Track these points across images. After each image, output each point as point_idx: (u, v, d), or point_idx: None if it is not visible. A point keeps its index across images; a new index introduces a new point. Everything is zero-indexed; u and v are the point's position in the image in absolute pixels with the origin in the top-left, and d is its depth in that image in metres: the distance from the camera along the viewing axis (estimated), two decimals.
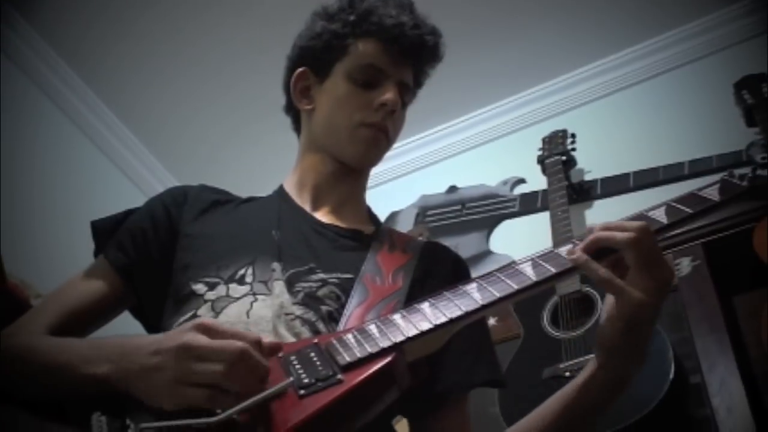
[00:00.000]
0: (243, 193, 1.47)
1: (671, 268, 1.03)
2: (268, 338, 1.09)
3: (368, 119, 1.33)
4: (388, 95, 1.32)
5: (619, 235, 1.01)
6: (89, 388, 1.02)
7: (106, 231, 1.33)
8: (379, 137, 1.34)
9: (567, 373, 2.01)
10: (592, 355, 1.93)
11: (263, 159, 3.07)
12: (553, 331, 2.17)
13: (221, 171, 3.05)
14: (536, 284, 1.03)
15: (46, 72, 2.95)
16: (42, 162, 2.88)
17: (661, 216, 1.06)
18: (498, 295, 1.02)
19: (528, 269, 1.05)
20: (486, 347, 1.31)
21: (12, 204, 2.64)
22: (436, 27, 1.41)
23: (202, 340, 0.94)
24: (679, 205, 1.07)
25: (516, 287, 1.03)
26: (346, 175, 1.38)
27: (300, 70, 1.42)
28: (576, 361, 2.02)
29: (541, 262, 1.06)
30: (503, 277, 1.04)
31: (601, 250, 1.02)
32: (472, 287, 1.04)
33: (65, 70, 2.99)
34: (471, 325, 1.06)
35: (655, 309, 1.02)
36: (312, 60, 1.40)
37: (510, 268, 1.06)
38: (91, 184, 3.05)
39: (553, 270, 1.04)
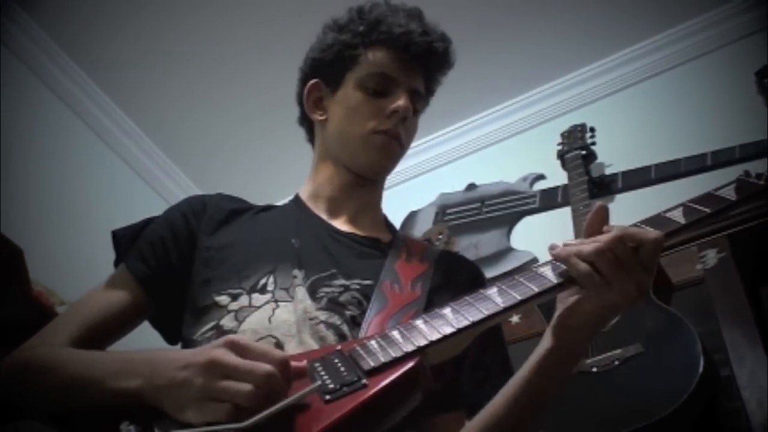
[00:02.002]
0: (258, 194, 1.47)
1: (644, 281, 1.02)
2: (292, 343, 1.10)
3: (381, 126, 1.34)
4: (400, 102, 1.33)
5: (587, 247, 1.01)
6: (119, 402, 1.02)
7: (126, 240, 1.34)
8: (391, 144, 1.35)
9: (594, 369, 1.99)
10: (619, 350, 1.98)
11: (276, 155, 3.08)
12: None
13: (233, 168, 3.07)
14: (557, 286, 1.05)
15: (60, 76, 2.99)
16: (63, 169, 2.91)
17: (678, 216, 1.08)
18: (519, 297, 1.03)
19: (548, 272, 1.06)
20: (496, 367, 1.29)
21: (36, 212, 2.66)
22: (446, 34, 1.42)
23: (230, 357, 0.95)
24: (696, 206, 1.09)
25: (537, 290, 1.04)
26: (360, 186, 1.39)
27: (312, 81, 1.43)
28: (603, 356, 2.01)
29: (561, 264, 1.06)
30: (524, 281, 1.06)
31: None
32: (493, 291, 1.05)
33: (78, 73, 3.03)
34: (486, 338, 1.09)
35: (619, 312, 1.05)
36: (324, 71, 1.42)
37: (530, 271, 1.07)
38: (112, 191, 3.08)
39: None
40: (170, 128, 3.22)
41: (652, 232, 1.01)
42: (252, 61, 2.95)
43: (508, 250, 2.78)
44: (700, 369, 1.90)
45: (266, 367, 0.93)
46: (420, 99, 1.41)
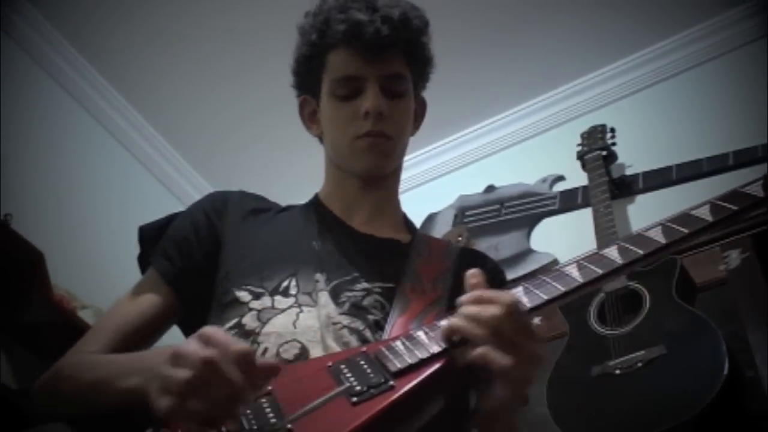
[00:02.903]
0: (275, 192, 1.47)
1: (533, 346, 0.98)
2: (317, 349, 1.10)
3: (360, 131, 1.31)
4: (367, 103, 1.30)
5: (473, 330, 0.96)
6: (131, 401, 1.02)
7: (150, 237, 1.34)
8: (376, 143, 1.32)
9: (617, 371, 1.98)
10: (642, 352, 1.96)
11: (287, 150, 3.07)
12: (600, 329, 2.14)
13: (246, 165, 3.07)
14: (583, 286, 1.04)
15: (72, 74, 3.01)
16: (80, 172, 2.93)
17: (705, 214, 1.06)
18: (545, 297, 1.02)
19: (574, 271, 1.05)
20: None
21: (57, 217, 2.68)
22: (393, 3, 1.33)
23: (189, 345, 0.90)
24: (723, 203, 1.07)
25: (563, 289, 1.03)
26: (370, 187, 1.38)
27: (301, 98, 1.43)
28: (626, 357, 1.99)
29: (586, 264, 1.06)
30: (549, 280, 1.05)
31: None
32: (518, 291, 1.04)
33: (91, 72, 3.05)
34: None
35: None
36: (304, 86, 1.42)
37: (555, 270, 1.07)
38: (131, 194, 3.09)
39: (600, 271, 1.04)
40: (187, 130, 3.24)
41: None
42: (263, 54, 2.91)
43: (529, 252, 2.77)
44: (725, 371, 1.88)
45: (207, 351, 0.87)
46: (399, 80, 1.35)
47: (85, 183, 2.91)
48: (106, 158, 3.09)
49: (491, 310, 0.96)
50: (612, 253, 1.06)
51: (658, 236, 1.06)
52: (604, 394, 1.98)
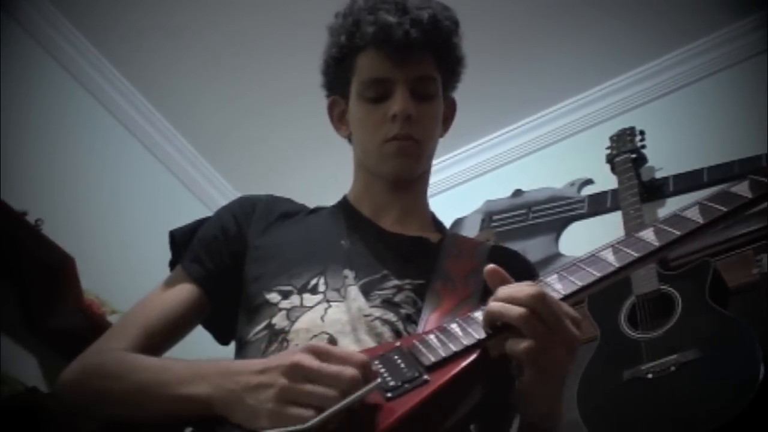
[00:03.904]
0: (301, 193, 1.47)
1: (572, 331, 0.96)
2: (346, 340, 1.10)
3: (389, 134, 1.30)
4: (395, 106, 1.29)
5: (512, 311, 0.94)
6: (185, 409, 1.01)
7: (181, 242, 1.34)
8: (404, 147, 1.31)
9: (649, 375, 1.95)
10: (675, 356, 1.93)
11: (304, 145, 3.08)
12: (631, 332, 2.11)
13: (275, 176, 3.07)
14: (619, 270, 1.00)
15: (107, 87, 3.04)
16: (112, 179, 2.96)
17: (745, 191, 1.01)
18: (580, 283, 0.99)
19: (609, 255, 1.01)
20: None
21: (87, 222, 2.70)
22: (423, 4, 1.32)
23: (314, 362, 0.92)
24: (761, 177, 1.03)
25: (598, 275, 0.99)
26: (399, 189, 1.37)
27: (330, 98, 1.42)
28: (659, 362, 1.96)
29: (621, 247, 1.02)
30: (583, 266, 1.01)
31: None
32: (552, 278, 1.02)
33: (121, 80, 3.07)
34: None
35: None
36: (333, 86, 1.41)
37: (590, 255, 1.03)
38: (160, 200, 3.11)
39: (635, 255, 1.00)
40: (214, 136, 3.26)
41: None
42: (279, 45, 2.93)
43: (557, 256, 2.75)
44: (761, 375, 1.85)
45: (351, 371, 0.91)
46: (428, 83, 1.33)
47: (115, 189, 2.94)
48: (136, 165, 3.12)
49: (526, 290, 0.95)
50: (648, 235, 1.02)
51: (696, 216, 1.01)
52: (635, 399, 1.96)
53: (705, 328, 2.01)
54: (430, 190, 1.47)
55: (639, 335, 2.09)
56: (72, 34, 2.90)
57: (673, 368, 1.95)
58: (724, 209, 1.01)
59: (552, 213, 2.90)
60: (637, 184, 2.56)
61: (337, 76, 1.38)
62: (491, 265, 1.02)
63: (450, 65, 1.38)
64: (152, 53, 2.97)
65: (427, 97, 1.33)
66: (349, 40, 1.33)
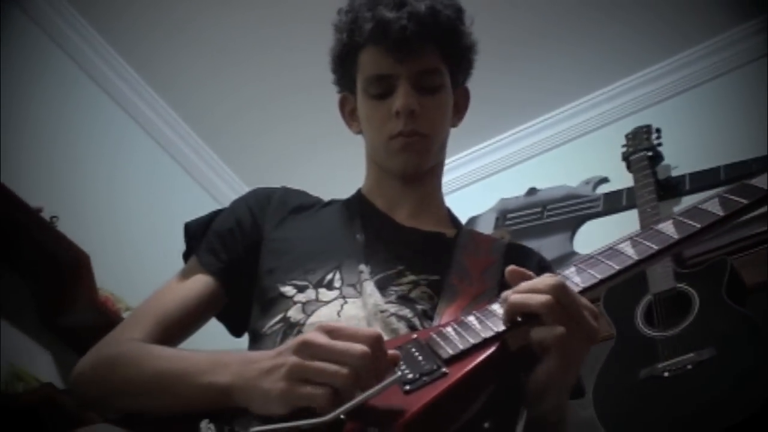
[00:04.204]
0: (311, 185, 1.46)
1: (591, 322, 0.96)
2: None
3: (394, 131, 1.29)
4: (398, 103, 1.28)
5: (534, 299, 0.94)
6: (204, 399, 1.00)
7: (196, 234, 1.34)
8: (410, 142, 1.30)
9: (666, 373, 1.94)
10: (691, 354, 1.92)
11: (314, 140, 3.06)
12: (648, 331, 2.10)
13: (284, 168, 3.07)
14: (638, 263, 0.98)
15: (121, 84, 3.05)
16: (127, 176, 2.97)
17: (764, 183, 1.00)
18: (599, 276, 0.98)
19: (628, 248, 1.00)
20: None
21: (103, 219, 2.71)
22: None
23: (323, 338, 0.92)
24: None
25: (617, 268, 0.98)
26: (411, 183, 1.36)
27: (341, 95, 1.42)
28: (675, 360, 1.96)
29: (641, 240, 1.01)
30: (602, 259, 1.00)
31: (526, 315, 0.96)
32: (570, 271, 1.01)
33: (137, 79, 3.08)
34: None
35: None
36: (342, 83, 1.40)
37: (608, 248, 1.01)
38: (175, 198, 3.12)
39: (655, 247, 0.99)
40: (227, 134, 3.27)
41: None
42: (286, 37, 2.93)
43: (572, 255, 2.73)
44: None
45: (361, 347, 0.90)
46: (433, 75, 1.31)
47: (130, 186, 2.95)
48: (151, 163, 3.13)
49: (547, 281, 0.95)
50: (668, 227, 1.00)
51: (716, 208, 0.99)
52: (652, 397, 1.95)
53: (722, 327, 2.00)
54: (444, 188, 1.45)
55: (655, 334, 2.08)
56: (91, 36, 2.92)
57: (689, 367, 1.94)
58: (745, 201, 0.99)
59: (567, 211, 2.89)
60: (653, 182, 2.54)
61: (344, 73, 1.38)
62: (512, 266, 1.01)
63: (456, 55, 1.36)
64: (163, 48, 2.98)
65: (432, 89, 1.32)
66: (350, 38, 1.32)
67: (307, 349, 0.91)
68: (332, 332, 0.93)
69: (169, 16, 2.89)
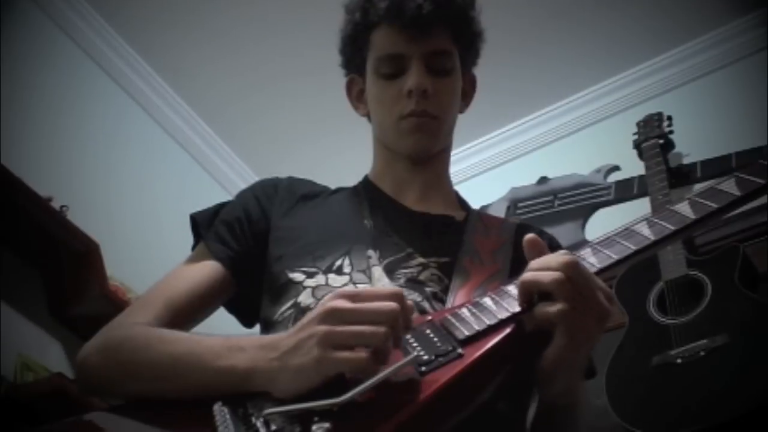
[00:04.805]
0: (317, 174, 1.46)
1: (603, 302, 0.94)
2: None
3: (405, 111, 1.28)
4: (410, 81, 1.27)
5: (545, 276, 0.93)
6: (220, 383, 0.98)
7: (203, 223, 1.33)
8: (421, 123, 1.29)
9: (679, 360, 1.94)
10: (704, 341, 1.91)
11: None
12: (660, 317, 2.09)
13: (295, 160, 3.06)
14: (655, 244, 0.97)
15: (132, 75, 3.05)
16: (137, 166, 2.98)
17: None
18: (616, 257, 0.97)
19: (644, 229, 0.98)
20: None
21: (112, 209, 2.71)
22: None
23: (347, 304, 0.91)
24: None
25: (634, 248, 0.97)
26: (419, 166, 1.35)
27: (348, 77, 1.41)
28: (688, 347, 1.95)
29: (657, 220, 0.99)
30: (618, 239, 0.99)
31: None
32: (586, 252, 1.00)
33: (147, 70, 3.08)
34: None
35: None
36: (351, 64, 1.39)
37: (624, 229, 1.00)
38: (184, 187, 3.13)
39: (672, 227, 0.97)
40: (237, 124, 3.27)
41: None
42: (296, 23, 2.93)
43: (583, 243, 2.71)
44: None
45: (391, 303, 0.89)
46: (444, 57, 1.31)
47: (140, 176, 2.95)
48: (161, 152, 3.13)
49: (559, 258, 0.94)
50: (684, 208, 0.99)
51: (732, 188, 0.98)
52: (664, 384, 1.94)
53: (735, 313, 1.99)
54: (454, 178, 1.45)
55: (668, 320, 2.07)
56: (99, 25, 2.92)
57: (702, 353, 1.93)
58: (762, 181, 0.97)
59: (578, 200, 2.87)
60: (665, 169, 2.53)
61: (353, 54, 1.37)
62: (530, 235, 1.00)
63: (467, 39, 1.36)
64: (172, 37, 2.98)
65: (444, 71, 1.31)
66: (363, 17, 1.32)
67: (334, 316, 0.90)
68: (354, 297, 0.92)
69: (178, 4, 2.89)
